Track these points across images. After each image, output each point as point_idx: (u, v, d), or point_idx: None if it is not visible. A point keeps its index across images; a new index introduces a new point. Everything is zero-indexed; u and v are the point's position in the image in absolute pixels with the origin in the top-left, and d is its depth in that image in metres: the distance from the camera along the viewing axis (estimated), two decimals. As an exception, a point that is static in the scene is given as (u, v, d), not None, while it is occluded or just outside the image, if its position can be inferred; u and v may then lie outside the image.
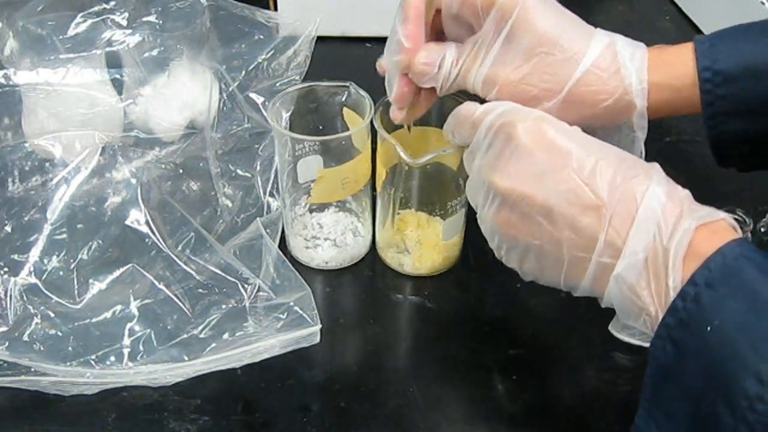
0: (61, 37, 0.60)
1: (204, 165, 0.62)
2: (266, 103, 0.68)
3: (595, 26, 0.44)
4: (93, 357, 0.49)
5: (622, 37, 0.43)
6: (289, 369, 0.50)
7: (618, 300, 0.37)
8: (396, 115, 0.47)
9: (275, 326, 0.50)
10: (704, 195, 0.37)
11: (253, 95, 0.68)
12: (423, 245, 0.57)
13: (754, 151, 0.43)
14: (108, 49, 0.61)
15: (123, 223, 0.56)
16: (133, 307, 0.52)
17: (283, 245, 0.58)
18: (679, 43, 0.43)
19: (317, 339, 0.50)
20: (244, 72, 0.69)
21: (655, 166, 0.38)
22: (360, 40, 0.85)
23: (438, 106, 0.51)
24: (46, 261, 0.54)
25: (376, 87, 0.54)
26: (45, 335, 0.50)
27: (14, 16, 0.60)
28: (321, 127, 0.56)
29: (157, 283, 0.53)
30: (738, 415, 0.30)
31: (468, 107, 0.43)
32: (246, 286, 0.53)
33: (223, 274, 0.54)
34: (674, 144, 0.71)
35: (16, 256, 0.54)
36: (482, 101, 0.44)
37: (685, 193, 0.37)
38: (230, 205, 0.61)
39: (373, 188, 0.57)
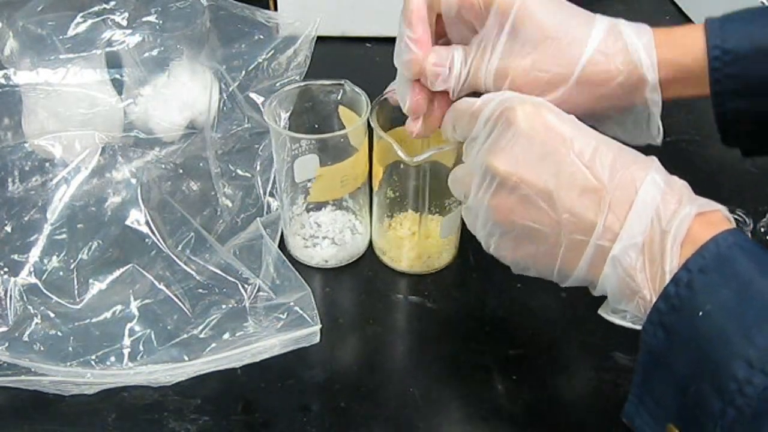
0: (61, 37, 0.60)
1: (204, 165, 0.62)
2: (266, 102, 0.68)
3: None
4: (93, 357, 0.49)
5: (623, 20, 0.44)
6: (289, 369, 0.50)
7: (613, 283, 0.37)
8: (412, 127, 0.47)
9: (275, 326, 0.50)
10: (704, 195, 0.37)
11: (253, 95, 0.68)
12: (419, 243, 0.57)
13: (758, 131, 0.44)
14: (108, 49, 0.61)
15: (123, 223, 0.56)
16: (133, 307, 0.52)
17: (282, 245, 0.58)
18: None
19: (317, 339, 0.50)
20: (244, 72, 0.69)
21: (653, 159, 0.38)
22: (360, 40, 0.85)
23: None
24: (46, 261, 0.54)
25: (374, 86, 0.54)
26: (45, 335, 0.50)
27: (14, 16, 0.60)
28: (317, 126, 0.56)
29: (157, 283, 0.53)
30: (727, 398, 0.31)
31: (467, 100, 0.43)
32: (246, 286, 0.53)
33: (223, 274, 0.54)
34: (674, 144, 0.71)
35: (16, 256, 0.54)
36: None
37: (682, 183, 0.38)
38: (230, 205, 0.61)
39: (370, 186, 0.57)
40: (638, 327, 0.36)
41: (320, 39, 0.73)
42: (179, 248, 0.55)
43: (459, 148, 0.45)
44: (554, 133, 0.38)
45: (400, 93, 0.47)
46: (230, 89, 0.67)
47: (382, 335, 0.53)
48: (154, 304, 0.52)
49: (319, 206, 0.60)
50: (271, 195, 0.62)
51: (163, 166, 0.62)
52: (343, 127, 0.54)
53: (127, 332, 0.51)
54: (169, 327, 0.51)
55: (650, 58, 0.42)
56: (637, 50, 0.42)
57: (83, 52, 0.60)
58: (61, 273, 0.54)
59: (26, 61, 0.60)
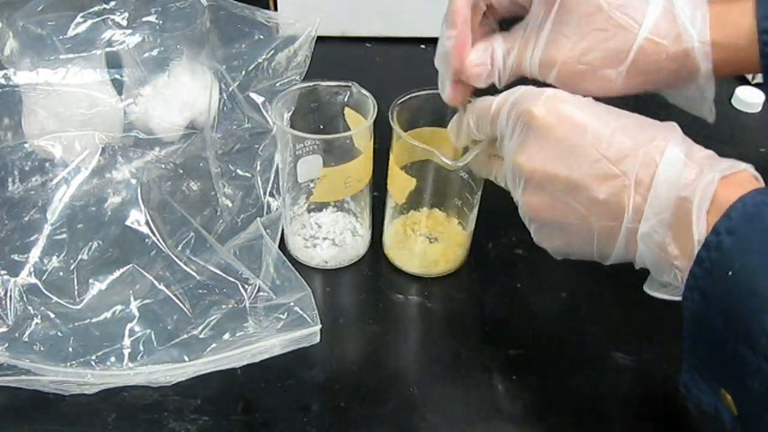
0: (61, 37, 0.60)
1: (204, 165, 0.62)
2: (266, 102, 0.68)
3: None
4: (93, 357, 0.49)
5: None
6: (289, 369, 0.50)
7: (649, 259, 0.38)
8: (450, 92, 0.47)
9: (275, 326, 0.50)
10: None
11: (253, 95, 0.68)
12: (432, 245, 0.57)
13: None
14: (108, 49, 0.61)
15: (123, 224, 0.56)
16: (133, 307, 0.52)
17: (282, 245, 0.58)
18: None
19: (317, 339, 0.50)
20: (244, 72, 0.69)
21: (674, 127, 0.38)
22: (360, 40, 0.85)
23: (435, 107, 0.51)
24: (46, 261, 0.54)
25: (376, 87, 0.54)
26: (45, 336, 0.50)
27: (14, 16, 0.60)
28: (322, 127, 0.56)
29: (157, 283, 0.53)
30: (759, 352, 0.31)
31: (483, 101, 0.44)
32: (246, 286, 0.53)
33: (223, 275, 0.54)
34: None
35: (16, 256, 0.54)
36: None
37: (702, 151, 0.37)
38: (230, 205, 0.61)
39: (373, 188, 0.57)
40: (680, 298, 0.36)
41: (320, 39, 0.73)
42: (179, 248, 0.55)
43: (493, 145, 0.45)
44: (571, 126, 0.39)
45: (441, 85, 0.47)
46: (230, 89, 0.67)
47: (382, 335, 0.53)
48: (154, 305, 0.52)
49: (320, 207, 0.59)
50: (271, 195, 0.62)
51: (163, 166, 0.62)
52: (348, 129, 0.54)
53: (127, 332, 0.51)
54: (169, 327, 0.51)
55: (704, 47, 0.40)
56: (691, 39, 0.40)
57: (83, 52, 0.60)
58: (61, 273, 0.54)
59: (26, 61, 0.60)
